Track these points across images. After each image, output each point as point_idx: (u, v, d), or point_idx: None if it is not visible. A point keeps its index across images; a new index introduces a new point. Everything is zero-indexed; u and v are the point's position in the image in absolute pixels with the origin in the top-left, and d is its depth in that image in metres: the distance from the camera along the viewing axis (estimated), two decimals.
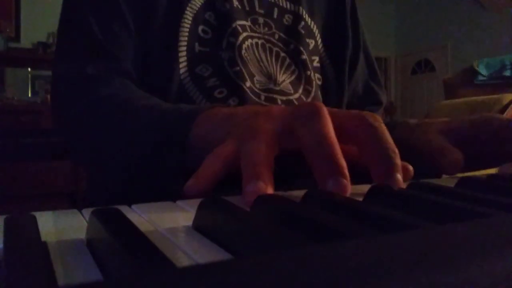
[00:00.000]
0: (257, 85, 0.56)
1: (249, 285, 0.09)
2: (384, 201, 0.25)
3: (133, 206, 0.26)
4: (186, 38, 0.54)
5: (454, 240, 0.13)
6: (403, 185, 0.29)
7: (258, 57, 0.58)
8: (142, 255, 0.14)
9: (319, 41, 0.66)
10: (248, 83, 0.54)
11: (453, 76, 3.33)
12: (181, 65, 0.53)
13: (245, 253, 0.17)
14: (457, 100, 2.79)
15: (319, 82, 0.64)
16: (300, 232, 0.17)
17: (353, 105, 0.69)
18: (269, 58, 0.59)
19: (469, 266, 0.11)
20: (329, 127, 0.28)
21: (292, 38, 0.62)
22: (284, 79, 0.59)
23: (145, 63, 0.54)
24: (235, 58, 0.55)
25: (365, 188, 0.27)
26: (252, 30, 0.58)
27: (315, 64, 0.64)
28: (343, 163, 0.27)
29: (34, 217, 0.20)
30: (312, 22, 0.66)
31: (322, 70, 0.65)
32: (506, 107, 2.45)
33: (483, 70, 3.05)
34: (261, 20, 0.60)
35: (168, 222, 0.23)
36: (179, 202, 0.28)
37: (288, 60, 0.60)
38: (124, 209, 0.25)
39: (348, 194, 0.27)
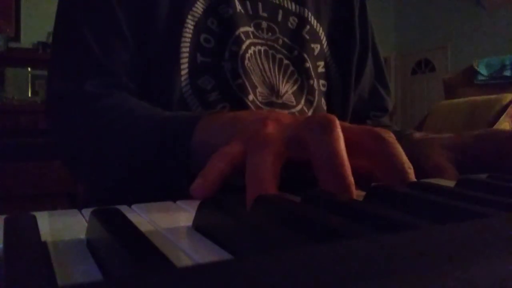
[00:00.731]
0: (260, 98, 0.55)
1: (249, 285, 0.09)
2: (384, 201, 0.25)
3: (133, 206, 0.26)
4: (187, 49, 0.53)
5: (454, 240, 0.13)
6: None
7: (261, 67, 0.56)
8: (142, 255, 0.14)
9: (325, 44, 0.65)
10: (251, 97, 0.54)
11: (453, 76, 3.33)
12: (182, 78, 0.52)
13: (245, 253, 0.17)
14: (457, 100, 2.79)
15: (324, 89, 0.63)
16: (300, 232, 0.17)
17: (357, 109, 0.68)
18: (271, 67, 0.57)
19: (469, 266, 0.11)
20: (340, 142, 0.28)
21: (296, 44, 0.61)
22: (287, 90, 0.58)
23: (145, 76, 0.52)
24: (238, 70, 0.54)
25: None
26: (255, 36, 0.57)
27: (320, 70, 0.63)
28: (351, 181, 0.27)
29: (34, 217, 0.20)
30: (318, 25, 0.64)
31: (327, 75, 0.64)
32: (506, 107, 2.45)
33: (483, 70, 3.05)
34: (264, 24, 0.59)
35: (168, 222, 0.23)
36: (179, 202, 0.28)
37: (291, 68, 0.59)
38: (124, 209, 0.25)
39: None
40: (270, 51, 0.58)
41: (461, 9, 4.61)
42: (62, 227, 0.22)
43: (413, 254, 0.11)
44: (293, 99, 0.58)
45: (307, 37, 0.62)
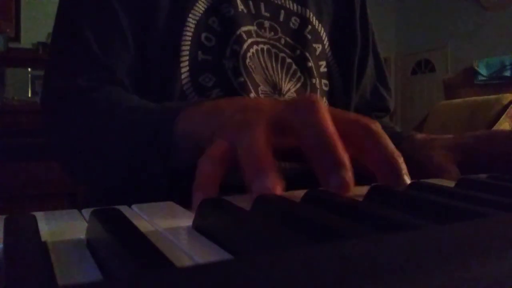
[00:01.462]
0: (262, 96, 0.55)
1: (249, 285, 0.09)
2: (384, 201, 0.25)
3: (133, 206, 0.26)
4: (188, 47, 0.53)
5: (454, 240, 0.13)
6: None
7: (264, 65, 0.56)
8: (142, 255, 0.14)
9: (326, 44, 0.65)
10: (252, 95, 0.54)
11: (453, 76, 3.33)
12: (183, 75, 0.52)
13: (245, 253, 0.17)
14: (457, 100, 2.79)
15: (326, 89, 0.63)
16: (300, 232, 0.17)
17: (359, 110, 0.68)
18: (274, 65, 0.58)
19: (469, 266, 0.11)
20: (327, 120, 0.27)
21: (298, 43, 0.61)
22: (290, 88, 0.58)
23: (145, 73, 0.52)
24: (239, 68, 0.54)
25: (365, 188, 0.27)
26: (257, 35, 0.57)
27: (322, 69, 0.63)
28: (346, 156, 0.26)
29: (34, 217, 0.20)
30: (320, 25, 0.64)
31: (329, 74, 0.64)
32: (506, 107, 2.45)
33: (483, 70, 3.05)
34: (267, 24, 0.59)
35: (168, 222, 0.23)
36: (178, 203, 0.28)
37: (294, 67, 0.59)
38: (124, 209, 0.25)
39: (352, 190, 0.26)
40: (273, 50, 0.58)
41: (461, 9, 4.60)
42: (62, 227, 0.22)
43: (413, 254, 0.11)
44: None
45: (309, 37, 0.62)
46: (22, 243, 0.16)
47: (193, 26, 0.54)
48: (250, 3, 0.59)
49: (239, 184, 0.27)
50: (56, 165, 0.55)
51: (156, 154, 0.37)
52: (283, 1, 0.62)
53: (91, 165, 0.47)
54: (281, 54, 0.59)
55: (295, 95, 0.58)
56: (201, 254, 0.17)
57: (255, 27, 0.58)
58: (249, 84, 0.54)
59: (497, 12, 4.27)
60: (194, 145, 0.32)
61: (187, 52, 0.53)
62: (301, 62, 0.60)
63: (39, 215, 0.21)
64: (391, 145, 0.30)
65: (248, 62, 0.55)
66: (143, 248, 0.15)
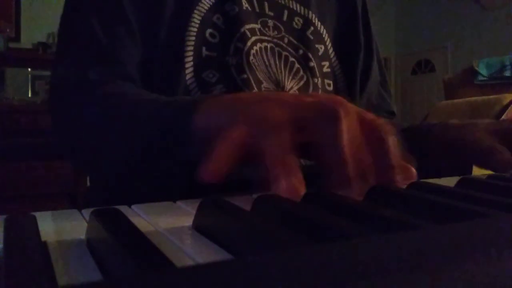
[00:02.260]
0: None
1: (249, 285, 0.09)
2: (384, 201, 0.25)
3: (133, 206, 0.26)
4: (193, 43, 0.53)
5: (454, 240, 0.13)
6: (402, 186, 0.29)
7: (267, 62, 0.57)
8: (142, 255, 0.14)
9: (329, 46, 0.65)
10: (255, 91, 0.54)
11: (453, 76, 3.33)
12: (187, 71, 0.53)
13: (245, 253, 0.17)
14: (457, 100, 2.79)
15: (329, 88, 0.63)
16: (300, 232, 0.17)
17: None
18: (277, 63, 0.58)
19: (469, 266, 0.11)
20: (345, 136, 0.28)
21: (301, 43, 0.62)
22: (292, 86, 0.58)
23: (150, 68, 0.53)
24: (243, 65, 0.54)
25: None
26: (261, 33, 0.58)
27: (325, 69, 0.64)
28: (356, 174, 0.27)
29: (34, 217, 0.20)
30: (322, 27, 0.65)
31: (332, 75, 0.64)
32: (506, 107, 2.45)
33: (483, 70, 3.05)
34: (270, 22, 0.60)
35: (168, 222, 0.23)
36: (179, 202, 0.28)
37: (296, 65, 0.60)
38: (124, 209, 0.25)
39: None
40: (276, 48, 0.59)
41: (461, 9, 4.61)
42: (62, 227, 0.22)
43: (412, 254, 0.11)
44: None
45: (311, 37, 0.63)
46: (22, 243, 0.16)
47: (198, 22, 0.54)
48: (255, 1, 0.59)
49: (239, 178, 0.27)
50: (56, 165, 0.55)
51: (176, 143, 0.37)
52: (286, 1, 0.63)
53: (107, 156, 0.47)
54: (284, 53, 0.59)
55: (297, 93, 0.58)
56: (201, 254, 0.18)
57: (259, 26, 0.58)
58: (252, 81, 0.54)
59: (497, 12, 4.27)
60: (213, 134, 0.31)
61: (192, 48, 0.53)
62: (303, 61, 0.61)
63: (39, 215, 0.21)
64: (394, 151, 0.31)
65: (252, 60, 0.55)
66: (143, 248, 0.15)
